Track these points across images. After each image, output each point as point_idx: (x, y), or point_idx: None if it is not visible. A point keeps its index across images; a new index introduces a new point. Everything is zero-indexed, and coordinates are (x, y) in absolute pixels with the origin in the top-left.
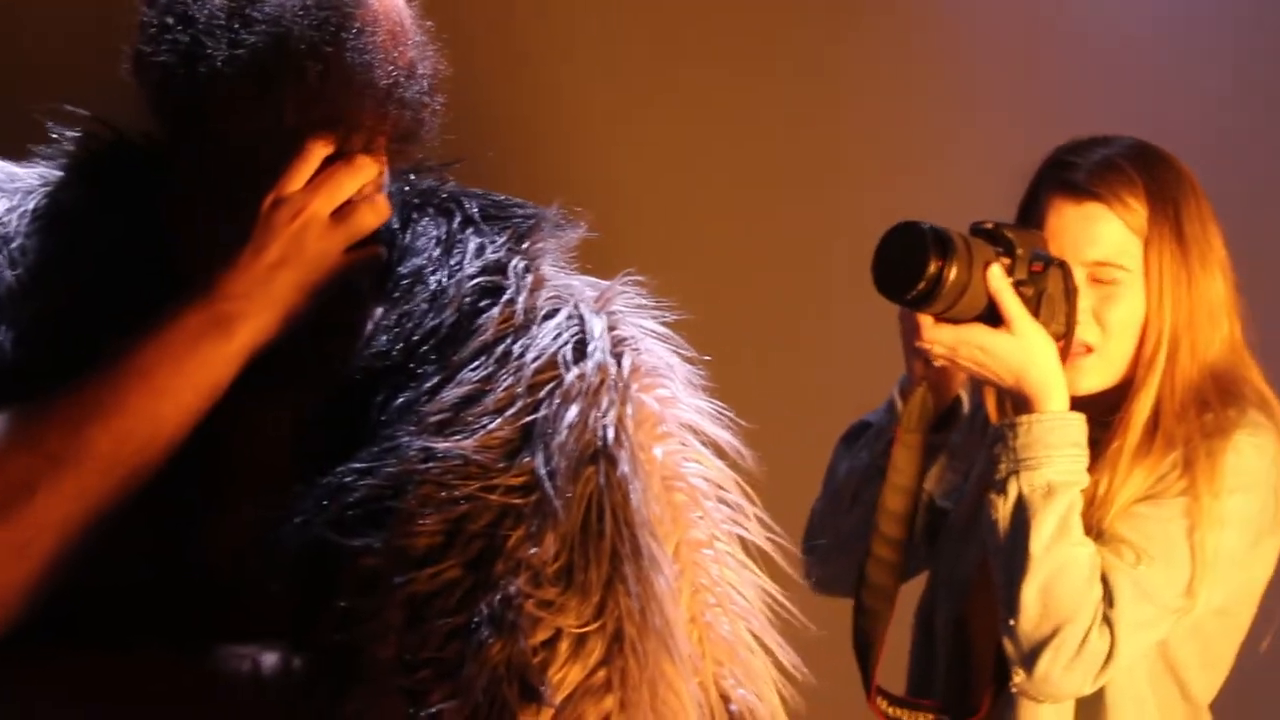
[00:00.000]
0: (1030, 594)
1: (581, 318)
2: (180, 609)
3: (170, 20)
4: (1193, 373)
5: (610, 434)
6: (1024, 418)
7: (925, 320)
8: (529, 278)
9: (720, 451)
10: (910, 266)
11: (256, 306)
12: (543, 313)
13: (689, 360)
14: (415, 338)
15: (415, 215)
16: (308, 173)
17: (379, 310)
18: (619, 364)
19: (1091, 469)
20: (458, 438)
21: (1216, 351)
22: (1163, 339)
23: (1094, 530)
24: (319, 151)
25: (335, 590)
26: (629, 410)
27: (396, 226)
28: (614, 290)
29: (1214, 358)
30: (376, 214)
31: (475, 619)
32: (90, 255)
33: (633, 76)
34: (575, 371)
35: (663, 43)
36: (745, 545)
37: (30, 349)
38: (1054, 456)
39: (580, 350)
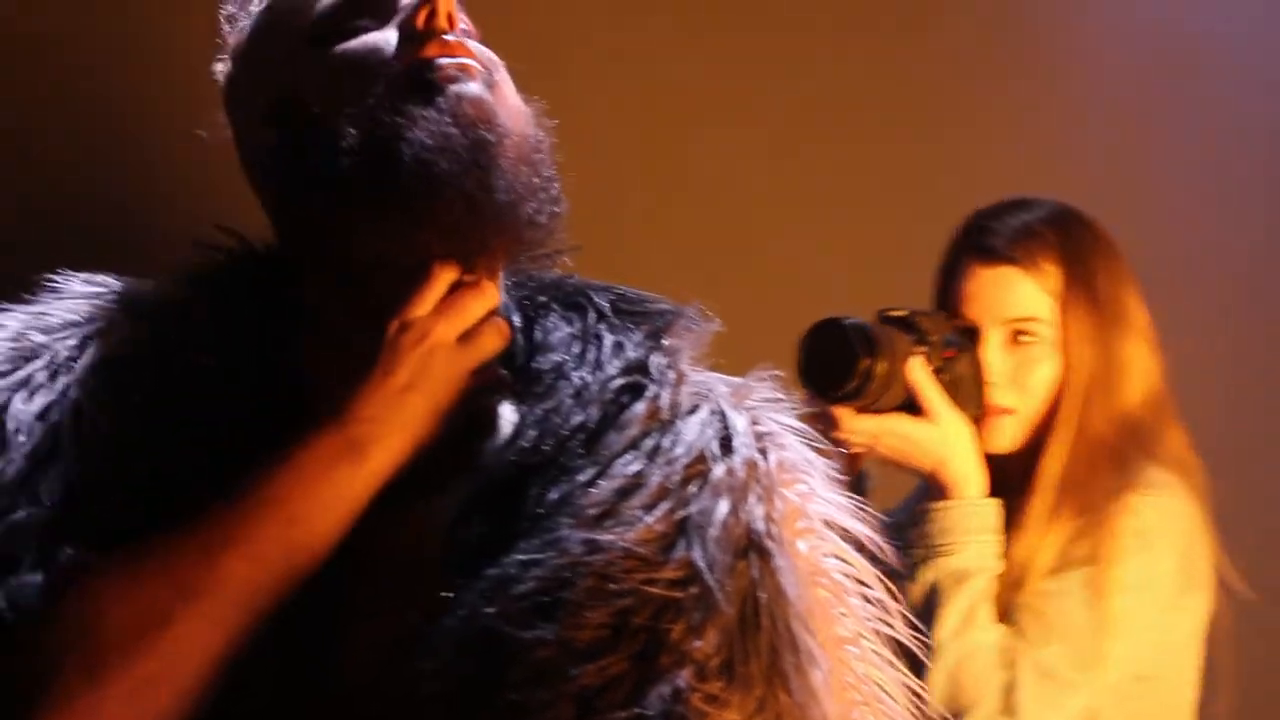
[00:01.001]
0: (938, 680)
1: (724, 413)
2: None
3: (304, 143)
4: (1106, 433)
5: (762, 528)
6: (940, 504)
7: (844, 413)
8: (671, 374)
9: (860, 547)
10: (840, 364)
11: (387, 430)
12: (685, 409)
13: (825, 454)
14: (564, 433)
15: (542, 311)
16: (435, 298)
17: (511, 406)
18: (765, 459)
19: (1010, 537)
20: (618, 530)
21: (1133, 411)
22: (1076, 399)
23: (1010, 609)
24: (446, 277)
25: (503, 684)
26: (777, 505)
27: (519, 325)
28: (750, 386)
29: (1130, 418)
30: (500, 337)
31: (646, 712)
32: (212, 375)
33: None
34: (723, 466)
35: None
36: (888, 642)
37: (156, 472)
38: (968, 543)
39: (726, 445)
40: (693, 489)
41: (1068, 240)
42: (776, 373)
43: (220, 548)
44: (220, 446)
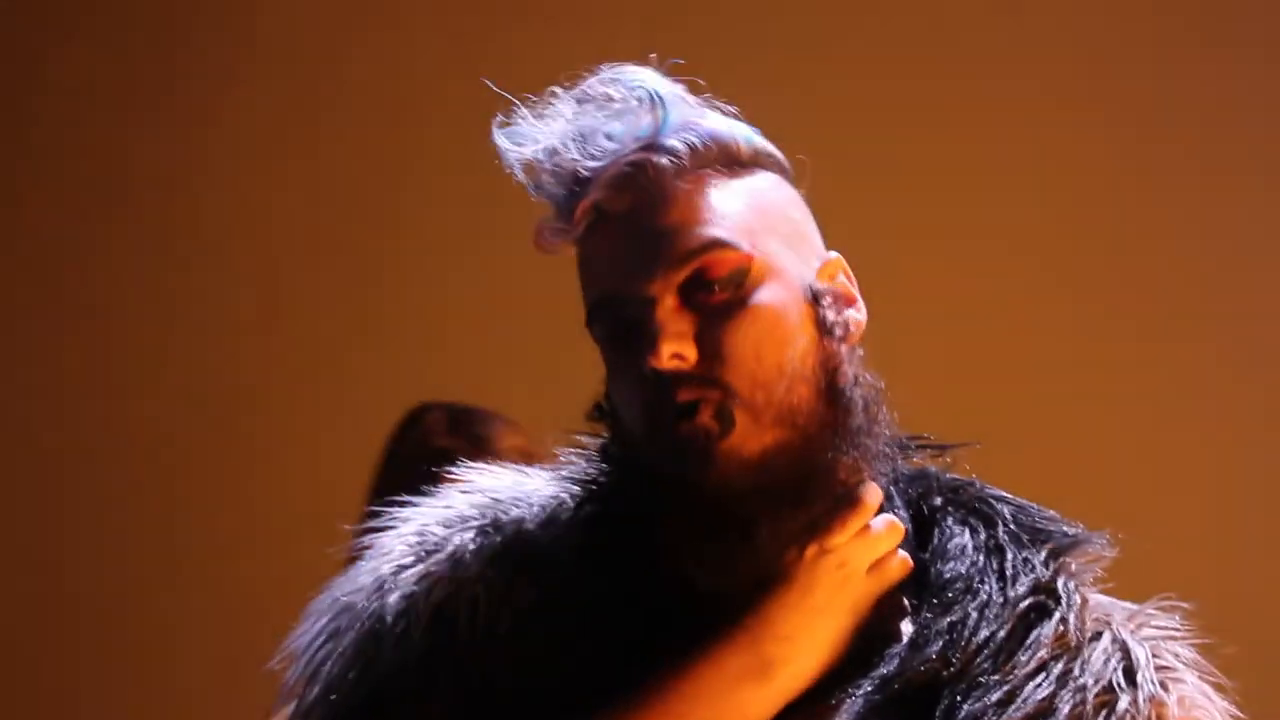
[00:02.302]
0: None
1: (1124, 643)
2: None
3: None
4: None
5: None
6: None
7: None
8: (1076, 598)
9: None
10: None
11: (798, 651)
12: (1089, 635)
13: (1220, 689)
14: (970, 648)
15: (938, 515)
16: (858, 526)
17: (908, 616)
18: (1168, 694)
19: None
20: None
21: None
22: None
23: None
24: (871, 506)
25: None
26: None
27: (909, 525)
28: (1147, 614)
29: None
30: (904, 569)
31: None
32: (604, 576)
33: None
34: (1127, 698)
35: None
36: None
37: (548, 671)
38: None
39: (1130, 677)
40: None
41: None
42: (1175, 602)
43: None
44: (614, 646)
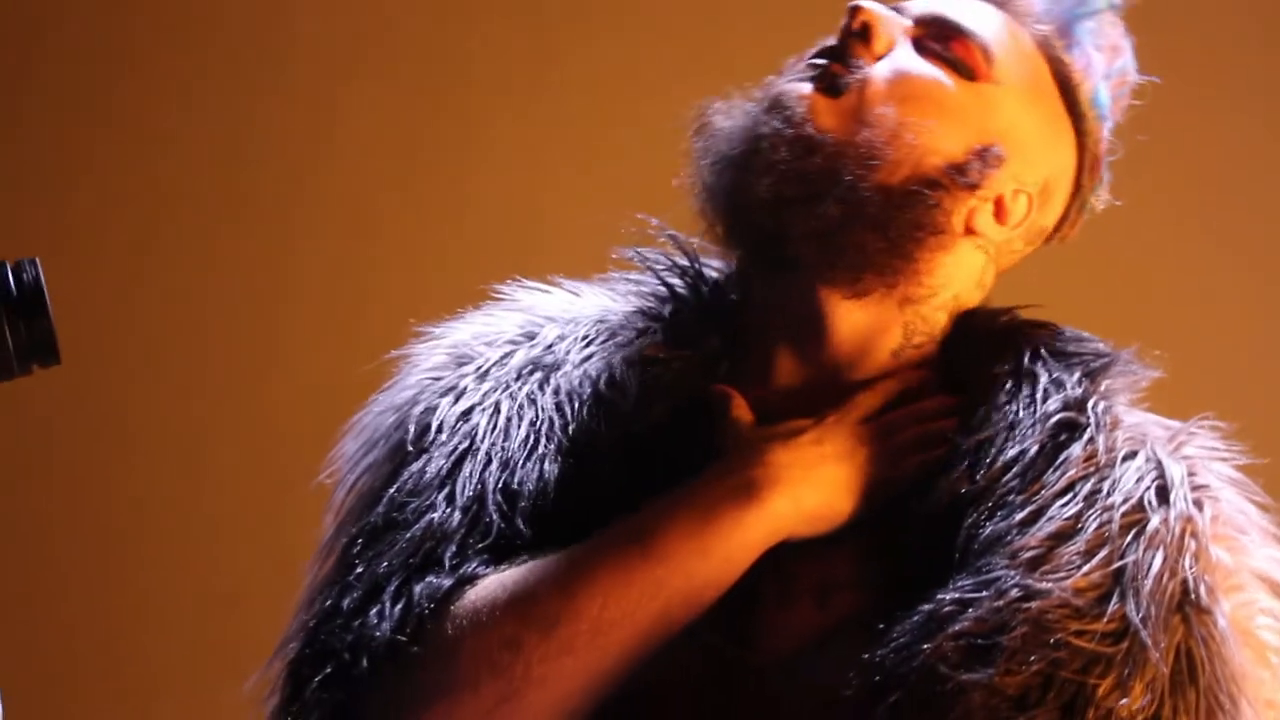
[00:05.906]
0: None
1: (1160, 462)
2: None
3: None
4: None
5: (1198, 585)
6: None
7: None
8: (1107, 418)
9: None
10: None
11: (795, 479)
12: (1121, 454)
13: (1264, 507)
14: (997, 466)
15: (978, 345)
16: (887, 396)
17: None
18: (1200, 512)
19: None
20: (1054, 577)
21: None
22: None
23: None
24: (909, 379)
25: None
26: (1211, 561)
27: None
28: (1188, 433)
29: None
30: (940, 445)
31: None
32: (642, 401)
33: None
34: (1159, 517)
35: None
36: None
37: (567, 477)
38: None
39: (1163, 496)
40: (1129, 539)
41: None
42: (1215, 421)
43: (579, 583)
44: (637, 458)
